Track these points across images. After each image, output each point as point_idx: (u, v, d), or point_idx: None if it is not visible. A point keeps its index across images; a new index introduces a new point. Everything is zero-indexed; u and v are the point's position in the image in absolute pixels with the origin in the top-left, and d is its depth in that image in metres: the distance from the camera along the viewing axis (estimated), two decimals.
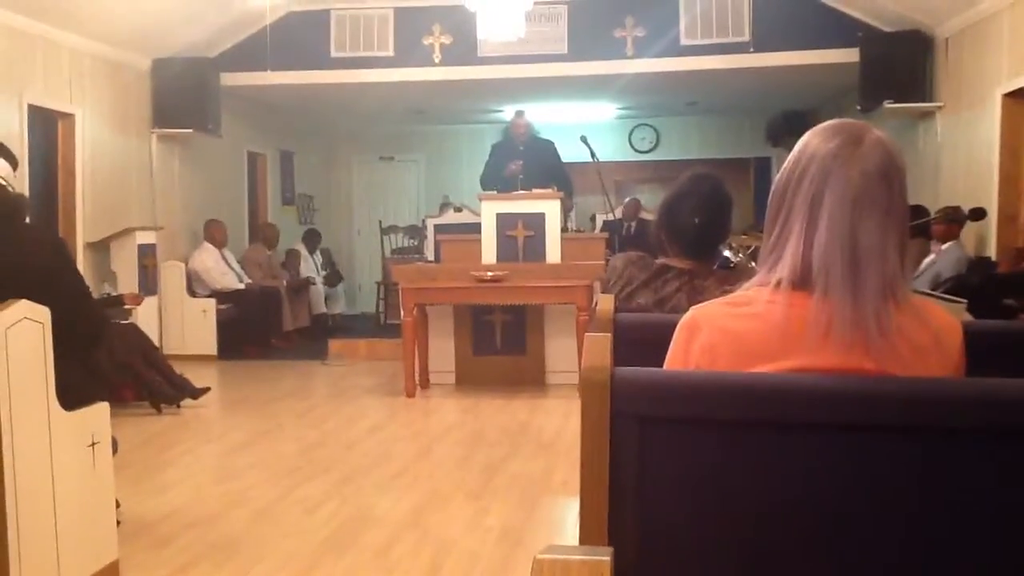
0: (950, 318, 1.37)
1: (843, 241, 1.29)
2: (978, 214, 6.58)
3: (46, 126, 7.38)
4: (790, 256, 1.34)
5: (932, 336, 1.33)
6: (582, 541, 1.24)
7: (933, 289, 5.95)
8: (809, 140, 1.38)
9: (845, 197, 1.30)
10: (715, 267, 2.66)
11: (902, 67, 7.71)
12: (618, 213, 9.98)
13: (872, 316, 1.27)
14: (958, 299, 4.94)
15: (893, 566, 1.20)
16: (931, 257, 6.54)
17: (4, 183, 2.86)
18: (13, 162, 2.95)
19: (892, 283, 1.30)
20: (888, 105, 7.75)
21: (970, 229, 6.71)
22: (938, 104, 7.69)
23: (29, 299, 2.58)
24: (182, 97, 8.52)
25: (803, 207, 1.34)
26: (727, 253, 2.84)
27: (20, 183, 3.03)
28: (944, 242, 6.52)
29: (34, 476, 2.64)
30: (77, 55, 7.54)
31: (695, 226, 2.56)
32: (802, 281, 1.33)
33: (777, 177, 1.41)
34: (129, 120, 8.35)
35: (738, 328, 1.35)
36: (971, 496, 1.19)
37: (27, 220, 3.01)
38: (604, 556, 1.03)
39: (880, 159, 1.32)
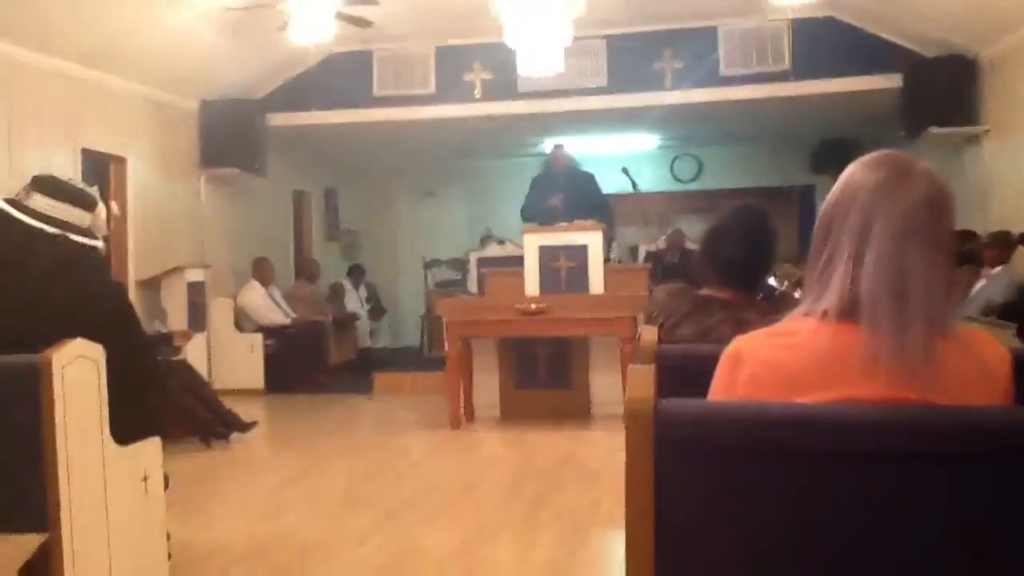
0: (999, 348, 1.36)
1: (891, 273, 1.29)
2: None
3: (99, 169, 7.58)
4: (836, 287, 1.34)
5: (980, 367, 1.32)
6: (629, 575, 1.24)
7: (984, 315, 5.84)
8: (855, 171, 1.38)
9: (893, 229, 1.30)
10: (760, 297, 2.65)
11: (946, 92, 7.62)
12: (661, 244, 9.95)
13: (919, 349, 1.27)
14: (1006, 323, 4.85)
15: None
16: (982, 283, 6.43)
17: (63, 231, 2.92)
18: (85, 205, 3.01)
19: (939, 315, 1.30)
20: (933, 130, 7.66)
21: (1021, 253, 6.59)
22: (984, 128, 7.58)
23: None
24: (229, 138, 8.70)
25: (850, 239, 1.34)
26: (772, 282, 2.82)
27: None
28: (994, 267, 6.41)
29: (88, 511, 2.69)
30: (128, 99, 7.75)
31: (738, 258, 2.55)
32: (848, 312, 1.32)
33: (822, 208, 1.42)
34: (178, 161, 8.54)
35: (783, 358, 1.35)
36: (1019, 520, 1.17)
37: (93, 267, 3.05)
38: None
39: (927, 191, 1.33)
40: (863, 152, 1.43)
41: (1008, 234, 6.51)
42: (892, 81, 7.88)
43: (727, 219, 2.62)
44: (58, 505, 2.54)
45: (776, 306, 2.48)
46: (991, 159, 7.55)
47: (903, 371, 1.27)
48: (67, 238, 2.91)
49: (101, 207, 3.08)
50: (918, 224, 1.31)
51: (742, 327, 2.34)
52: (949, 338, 1.30)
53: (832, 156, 10.64)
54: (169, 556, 3.27)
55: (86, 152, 7.18)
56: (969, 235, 6.57)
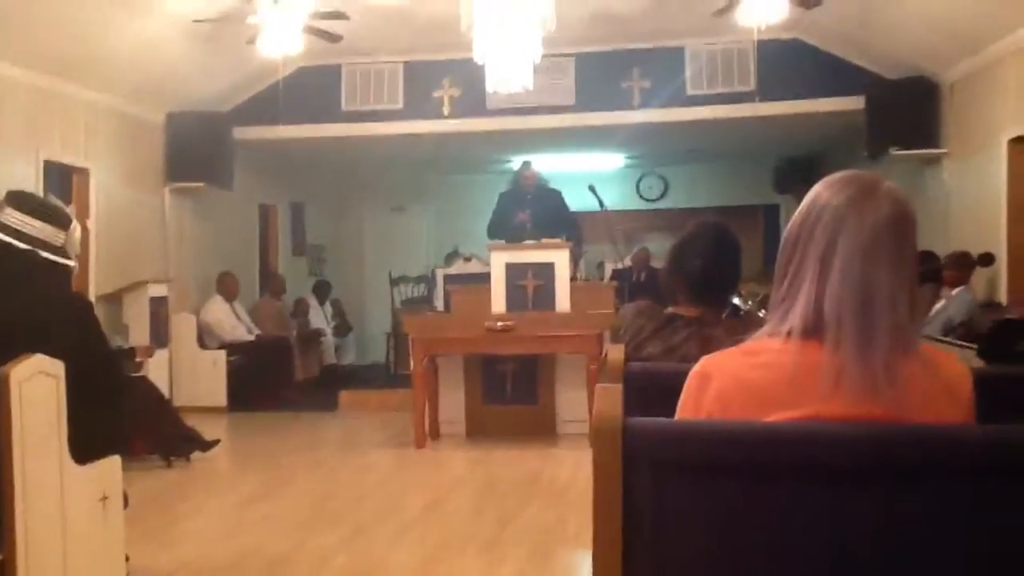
0: (960, 366, 1.38)
1: (855, 292, 1.31)
2: (987, 259, 6.58)
3: (61, 180, 7.48)
4: (801, 306, 1.35)
5: (942, 385, 1.33)
6: None
7: (944, 335, 5.93)
8: (821, 191, 1.40)
9: (857, 248, 1.32)
10: (724, 315, 2.67)
11: (908, 114, 7.74)
12: (627, 262, 9.99)
13: (881, 367, 1.28)
14: (969, 345, 4.92)
15: None
16: (942, 303, 6.53)
17: (29, 246, 2.90)
18: (60, 223, 3.00)
19: (902, 333, 1.31)
20: (895, 152, 7.79)
21: (980, 274, 6.70)
22: (944, 150, 7.72)
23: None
24: (195, 151, 8.62)
25: (815, 257, 1.35)
26: (736, 301, 2.85)
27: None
28: (954, 288, 6.51)
29: (45, 531, 2.63)
30: (92, 110, 7.66)
31: (703, 270, 2.58)
32: (813, 330, 1.34)
33: (788, 227, 1.43)
34: (142, 174, 8.45)
35: (750, 377, 1.36)
36: (984, 538, 1.18)
37: (60, 283, 3.03)
38: None
39: (892, 210, 1.34)
40: (826, 172, 1.44)
41: (967, 255, 6.62)
42: (855, 103, 7.99)
43: (692, 233, 2.66)
44: (13, 525, 2.49)
45: (742, 325, 2.50)
46: (951, 181, 7.68)
47: (867, 388, 1.28)
48: (36, 254, 2.90)
49: (75, 225, 3.08)
50: (882, 243, 1.32)
51: (709, 345, 2.36)
52: (912, 356, 1.32)
53: (796, 176, 10.77)
54: None
55: (48, 163, 7.07)
56: (929, 256, 6.67)
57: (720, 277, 2.63)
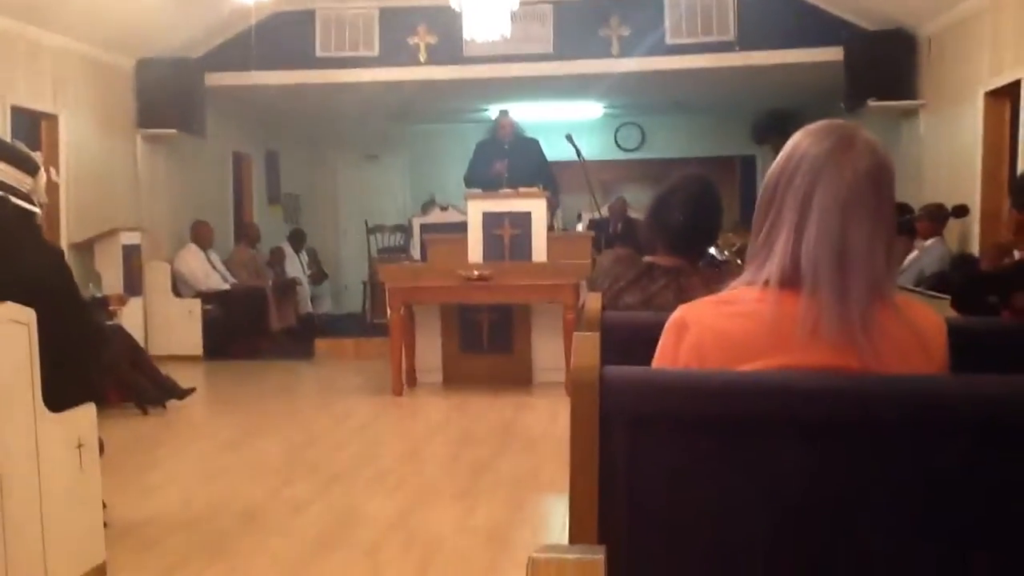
0: (935, 317, 1.39)
1: (832, 241, 1.31)
2: (961, 211, 6.63)
3: (30, 127, 7.33)
4: (779, 255, 1.35)
5: (917, 336, 1.34)
6: (572, 540, 1.25)
7: (917, 285, 5.99)
8: (800, 140, 1.39)
9: (836, 198, 1.31)
10: (701, 265, 2.67)
11: (886, 66, 7.75)
12: (604, 212, 10.00)
13: (858, 317, 1.28)
14: (942, 295, 4.97)
15: (886, 557, 1.22)
16: (915, 254, 6.59)
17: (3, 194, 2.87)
18: (28, 169, 2.97)
19: (878, 284, 1.31)
20: (872, 103, 7.80)
21: (953, 226, 6.76)
22: (921, 102, 7.74)
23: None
24: (167, 97, 8.47)
25: (793, 206, 1.35)
26: (713, 251, 2.86)
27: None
28: (927, 239, 6.57)
29: (21, 478, 2.63)
30: (60, 55, 7.49)
31: (681, 221, 2.57)
32: (790, 280, 1.33)
33: (767, 175, 1.42)
34: (113, 121, 8.30)
35: (726, 326, 1.36)
36: (955, 489, 1.20)
37: (32, 230, 3.00)
38: (598, 555, 1.04)
39: (871, 161, 1.34)
40: (804, 124, 1.43)
41: (941, 207, 6.66)
42: (834, 54, 7.97)
43: (675, 185, 2.64)
44: None
45: (719, 274, 2.50)
46: (927, 133, 7.70)
47: (843, 338, 1.28)
48: (8, 200, 2.87)
49: (42, 173, 3.05)
50: (860, 194, 1.32)
51: (685, 294, 2.37)
52: (888, 307, 1.32)
53: (774, 127, 10.76)
54: (105, 524, 3.22)
55: (15, 109, 6.93)
56: (903, 208, 6.71)
57: (700, 230, 2.62)
